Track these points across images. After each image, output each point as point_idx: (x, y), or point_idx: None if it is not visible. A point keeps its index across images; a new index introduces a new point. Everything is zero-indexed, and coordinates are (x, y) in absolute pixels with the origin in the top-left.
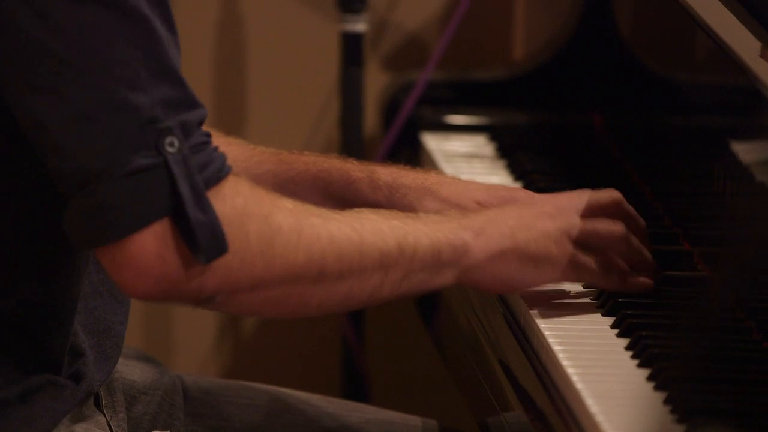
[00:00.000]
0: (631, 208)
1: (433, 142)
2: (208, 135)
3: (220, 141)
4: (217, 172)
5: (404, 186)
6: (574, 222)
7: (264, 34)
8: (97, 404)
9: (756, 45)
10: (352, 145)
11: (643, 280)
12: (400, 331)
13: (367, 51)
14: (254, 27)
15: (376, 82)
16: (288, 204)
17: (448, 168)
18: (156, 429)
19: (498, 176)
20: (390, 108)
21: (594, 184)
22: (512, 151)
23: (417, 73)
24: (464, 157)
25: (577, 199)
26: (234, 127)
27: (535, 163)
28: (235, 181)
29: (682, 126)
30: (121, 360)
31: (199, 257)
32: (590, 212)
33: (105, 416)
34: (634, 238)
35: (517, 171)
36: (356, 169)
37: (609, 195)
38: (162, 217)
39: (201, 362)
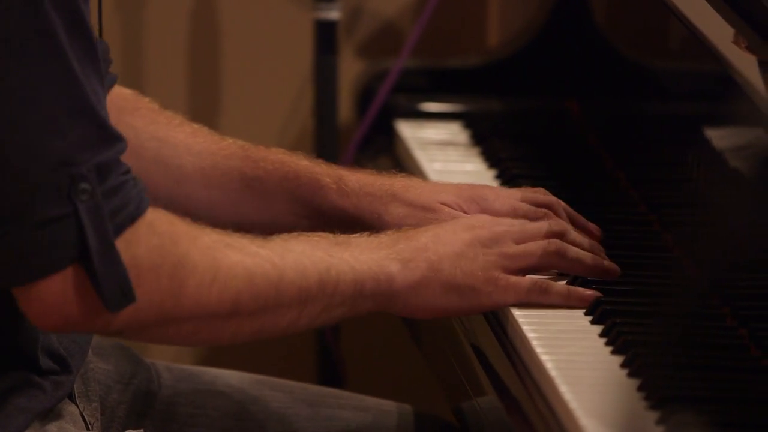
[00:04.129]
0: (579, 217)
1: (408, 130)
2: (127, 171)
3: (186, 130)
4: (133, 212)
5: (370, 194)
6: (507, 251)
7: (238, 22)
8: (70, 395)
9: (729, 32)
10: (326, 132)
11: (586, 292)
12: (374, 317)
13: (341, 39)
14: (228, 15)
15: (350, 70)
16: (207, 239)
17: (422, 155)
18: (131, 416)
19: (472, 163)
20: (364, 96)
21: (569, 171)
22: (487, 139)
23: (391, 60)
24: (439, 145)
25: (518, 224)
26: (208, 116)
27: (510, 151)
28: (153, 217)
29: (656, 112)
30: (95, 349)
31: (106, 305)
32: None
33: (78, 407)
34: (572, 250)
35: (491, 158)
36: (325, 174)
37: (552, 200)
38: (70, 265)
39: (176, 350)
